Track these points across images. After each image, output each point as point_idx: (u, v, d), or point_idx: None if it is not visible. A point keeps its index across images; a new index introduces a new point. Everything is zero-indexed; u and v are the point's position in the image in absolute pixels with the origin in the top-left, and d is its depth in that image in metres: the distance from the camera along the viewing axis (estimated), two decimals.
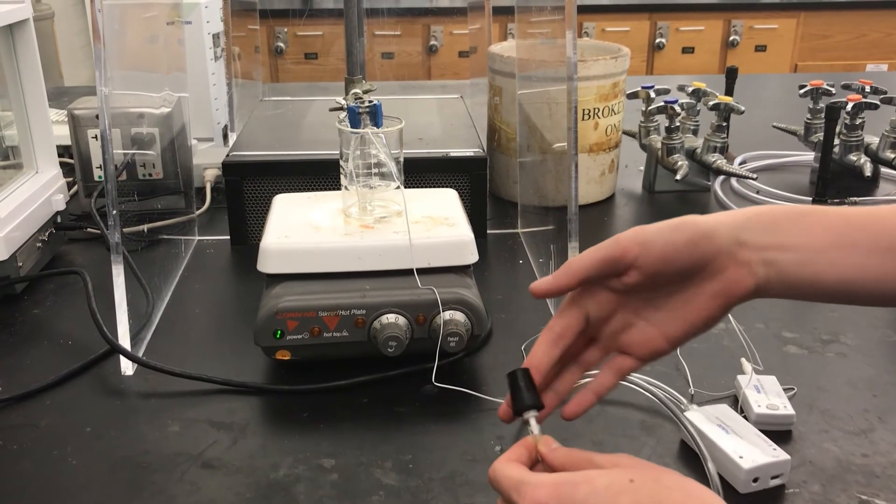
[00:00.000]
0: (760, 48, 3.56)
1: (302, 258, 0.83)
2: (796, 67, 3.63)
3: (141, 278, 0.96)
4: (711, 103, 1.27)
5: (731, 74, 1.43)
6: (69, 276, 1.03)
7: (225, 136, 1.53)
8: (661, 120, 1.35)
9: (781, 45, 3.58)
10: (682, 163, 1.27)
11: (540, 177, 1.23)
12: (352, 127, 0.87)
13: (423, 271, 0.82)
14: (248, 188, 1.12)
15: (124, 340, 0.82)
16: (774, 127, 1.50)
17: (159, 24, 1.32)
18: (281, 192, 1.09)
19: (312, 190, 1.10)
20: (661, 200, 1.34)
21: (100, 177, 1.23)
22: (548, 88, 1.20)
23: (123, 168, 1.20)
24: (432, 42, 3.33)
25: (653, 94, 1.35)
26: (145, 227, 1.14)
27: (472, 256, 0.85)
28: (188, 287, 1.03)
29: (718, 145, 1.28)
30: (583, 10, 3.35)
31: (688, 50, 3.52)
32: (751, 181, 1.28)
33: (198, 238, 1.17)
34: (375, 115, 0.87)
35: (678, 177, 1.25)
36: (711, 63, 3.60)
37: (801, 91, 1.38)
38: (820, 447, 0.71)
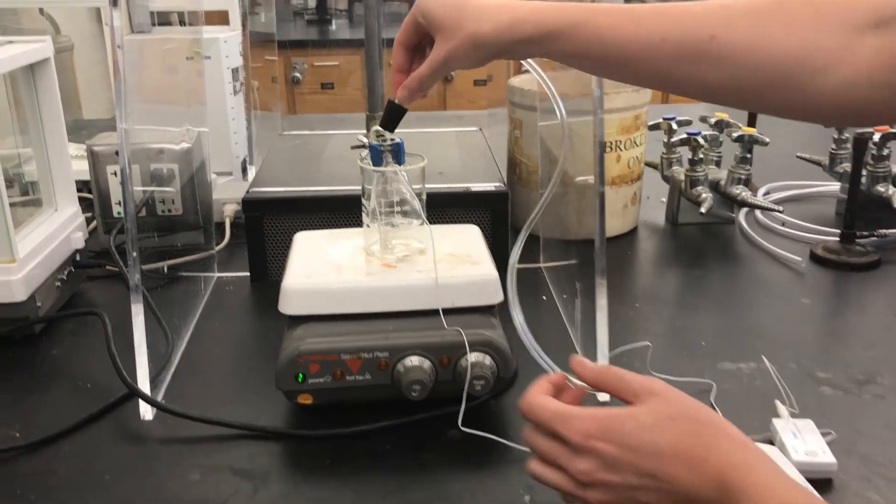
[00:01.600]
0: None
1: (324, 299, 0.81)
2: None
3: (160, 319, 0.95)
4: (735, 135, 1.25)
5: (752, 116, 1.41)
6: (88, 316, 1.02)
7: (244, 170, 1.52)
8: (684, 151, 1.33)
9: None
10: (707, 195, 1.25)
11: (562, 210, 1.21)
12: (374, 165, 0.86)
13: (446, 311, 0.81)
14: (269, 224, 1.11)
15: (144, 385, 0.81)
16: (798, 157, 1.48)
17: (179, 58, 1.32)
18: (301, 229, 1.08)
19: (333, 226, 1.09)
20: (684, 233, 1.32)
21: (119, 213, 1.22)
22: (569, 120, 1.19)
23: (143, 205, 1.19)
24: None
25: (675, 126, 1.34)
26: (164, 265, 1.13)
27: (496, 296, 0.83)
28: (208, 326, 1.01)
29: (743, 177, 1.26)
30: None
31: None
32: (776, 213, 1.26)
33: (217, 275, 1.16)
34: (398, 154, 0.86)
35: (703, 209, 1.23)
36: None
37: None
38: (863, 496, 0.68)
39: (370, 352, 0.78)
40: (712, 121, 1.35)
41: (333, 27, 3.65)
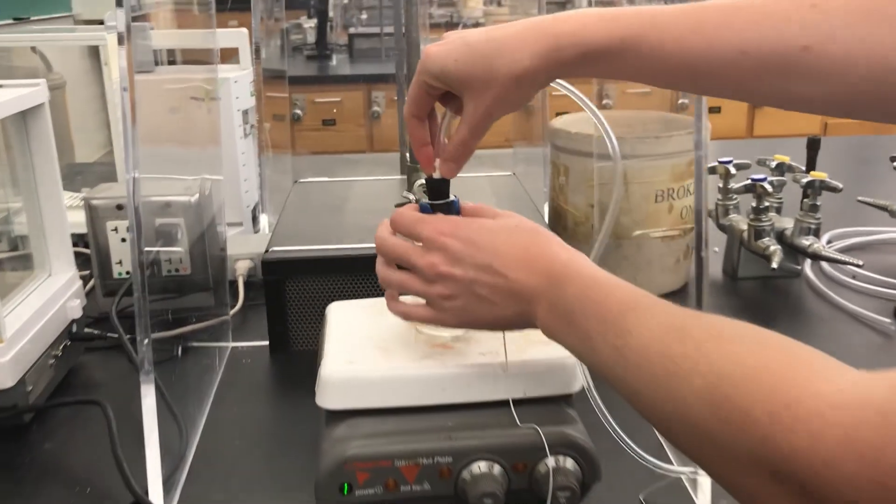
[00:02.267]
0: (715, 109, 3.44)
1: (371, 391, 0.68)
2: (826, 128, 3.51)
3: (172, 407, 0.81)
4: (805, 181, 1.13)
5: (813, 145, 1.29)
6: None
7: (254, 219, 1.39)
8: (743, 197, 1.22)
9: (735, 105, 3.46)
10: (775, 248, 1.13)
11: (616, 266, 1.09)
12: None
13: (517, 403, 0.68)
14: (291, 289, 0.98)
15: (156, 496, 0.67)
16: (860, 202, 1.36)
17: (186, 99, 1.20)
18: (328, 292, 0.96)
19: (366, 290, 0.96)
20: (746, 288, 1.20)
21: (120, 273, 1.09)
22: (625, 163, 1.07)
23: (148, 267, 1.06)
24: None
25: (732, 170, 1.22)
26: (172, 334, 1.00)
27: (576, 382, 0.70)
28: (225, 410, 0.88)
29: (812, 227, 1.14)
30: None
31: (714, 110, 3.40)
32: (850, 266, 1.14)
33: (232, 345, 1.03)
34: (452, 213, 0.74)
35: (774, 265, 1.10)
36: (738, 124, 3.50)
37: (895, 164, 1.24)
38: None
39: (430, 456, 0.65)
40: (772, 164, 1.23)
41: (334, 62, 3.55)
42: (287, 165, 1.56)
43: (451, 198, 0.71)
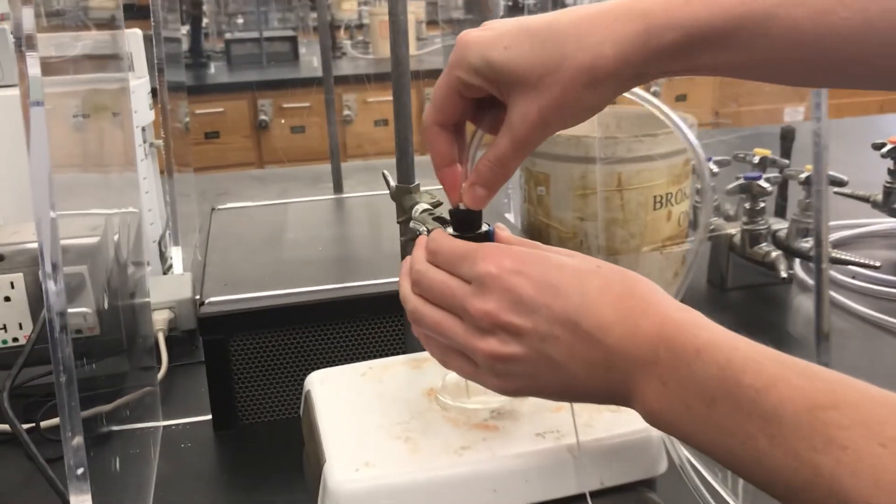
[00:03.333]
0: (681, 98, 3.43)
1: (403, 502, 0.50)
2: (717, 115, 3.53)
3: None
4: (804, 176, 1.01)
5: (787, 135, 1.19)
6: None
7: (162, 255, 1.17)
8: (723, 198, 1.10)
9: (701, 93, 3.46)
10: (777, 254, 1.01)
11: None
12: None
13: (593, 496, 0.51)
14: (238, 348, 0.78)
15: None
16: (838, 194, 1.26)
17: (93, 113, 0.98)
18: (283, 349, 0.77)
19: (337, 343, 0.78)
20: (738, 300, 1.08)
21: (4, 342, 0.86)
22: (618, 170, 0.93)
23: (38, 330, 0.83)
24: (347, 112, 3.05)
25: (715, 168, 1.09)
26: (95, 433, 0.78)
27: (662, 462, 0.54)
28: None
29: (811, 227, 1.02)
30: None
31: (680, 98, 3.35)
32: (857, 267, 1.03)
33: (164, 424, 0.81)
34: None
35: (783, 273, 0.98)
36: (706, 114, 3.47)
37: (884, 151, 1.15)
38: None
39: None
40: (755, 159, 1.11)
41: (212, 70, 3.29)
42: (188, 186, 1.34)
43: (485, 227, 0.54)
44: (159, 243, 1.17)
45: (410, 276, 0.51)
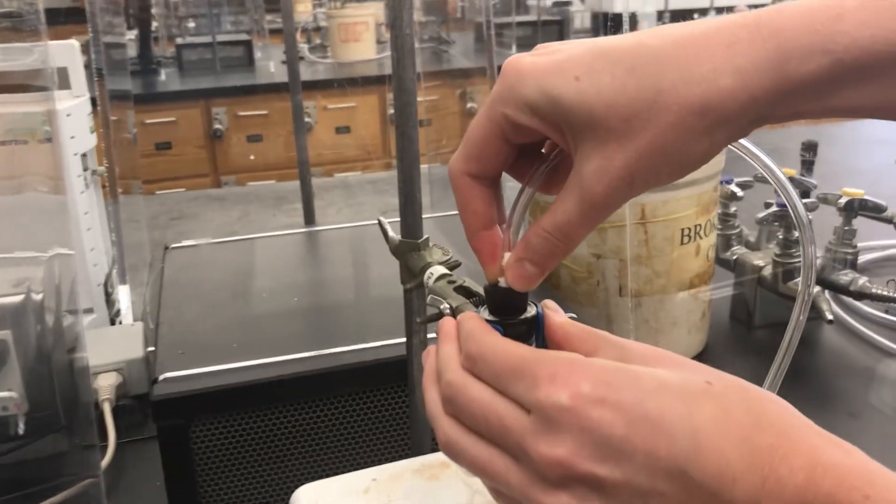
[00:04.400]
0: None
1: None
2: None
3: None
4: (844, 201, 0.90)
5: (809, 149, 1.07)
6: None
7: (108, 298, 1.02)
8: (743, 224, 0.99)
9: None
10: (816, 289, 0.89)
11: (631, 333, 0.82)
12: None
13: None
14: (200, 436, 0.63)
15: None
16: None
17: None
18: (257, 433, 0.63)
19: (318, 426, 0.64)
20: (765, 338, 0.96)
21: None
22: (642, 201, 0.80)
23: None
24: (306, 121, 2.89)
25: (738, 192, 0.97)
26: None
27: None
28: None
29: (850, 258, 0.91)
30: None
31: None
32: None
33: None
34: (533, 334, 0.43)
35: (829, 316, 0.86)
36: None
37: None
38: None
39: None
40: None
41: (162, 77, 3.12)
42: (136, 210, 1.19)
43: (531, 311, 0.41)
44: (105, 285, 1.02)
45: (440, 387, 0.37)
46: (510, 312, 0.41)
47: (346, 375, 0.64)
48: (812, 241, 0.48)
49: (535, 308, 0.43)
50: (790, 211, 0.46)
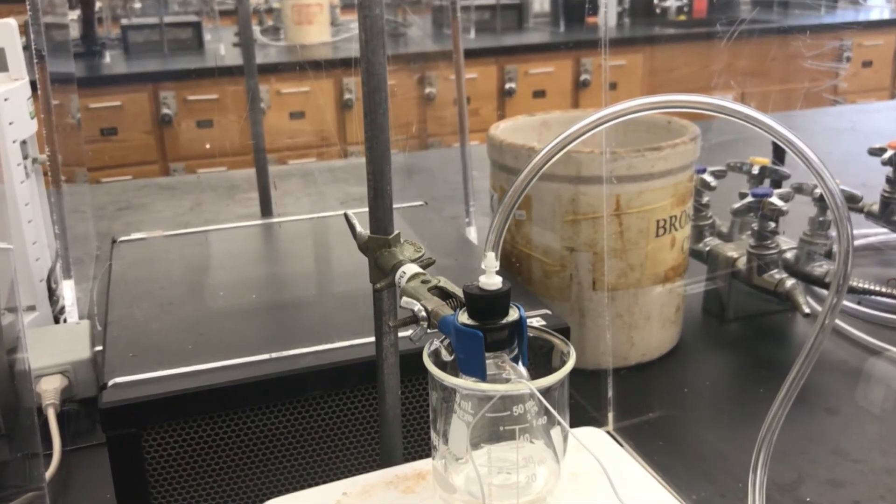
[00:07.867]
0: (612, 86, 3.35)
1: None
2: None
3: None
4: (819, 192, 0.88)
5: None
6: None
7: (51, 294, 0.96)
8: (715, 215, 0.96)
9: (631, 81, 3.39)
10: (792, 283, 0.87)
11: (606, 328, 0.79)
12: (464, 371, 0.39)
13: None
14: (153, 445, 0.59)
15: None
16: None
17: None
18: (215, 441, 0.59)
19: (281, 431, 0.60)
20: (738, 331, 0.94)
21: None
22: (616, 191, 0.77)
23: None
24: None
25: (712, 181, 0.95)
26: None
27: None
28: None
29: (823, 250, 0.89)
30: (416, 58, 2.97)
31: (539, 94, 3.24)
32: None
33: None
34: (515, 339, 0.40)
35: (806, 310, 0.84)
36: (564, 105, 3.36)
37: (885, 157, 1.03)
38: None
39: None
40: (754, 169, 0.98)
41: (107, 59, 3.01)
42: (82, 200, 1.13)
43: (513, 314, 0.38)
44: (48, 280, 0.96)
45: None
46: (491, 316, 0.38)
47: (311, 379, 0.60)
48: (848, 222, 0.43)
49: (517, 311, 0.40)
50: (827, 197, 0.43)
